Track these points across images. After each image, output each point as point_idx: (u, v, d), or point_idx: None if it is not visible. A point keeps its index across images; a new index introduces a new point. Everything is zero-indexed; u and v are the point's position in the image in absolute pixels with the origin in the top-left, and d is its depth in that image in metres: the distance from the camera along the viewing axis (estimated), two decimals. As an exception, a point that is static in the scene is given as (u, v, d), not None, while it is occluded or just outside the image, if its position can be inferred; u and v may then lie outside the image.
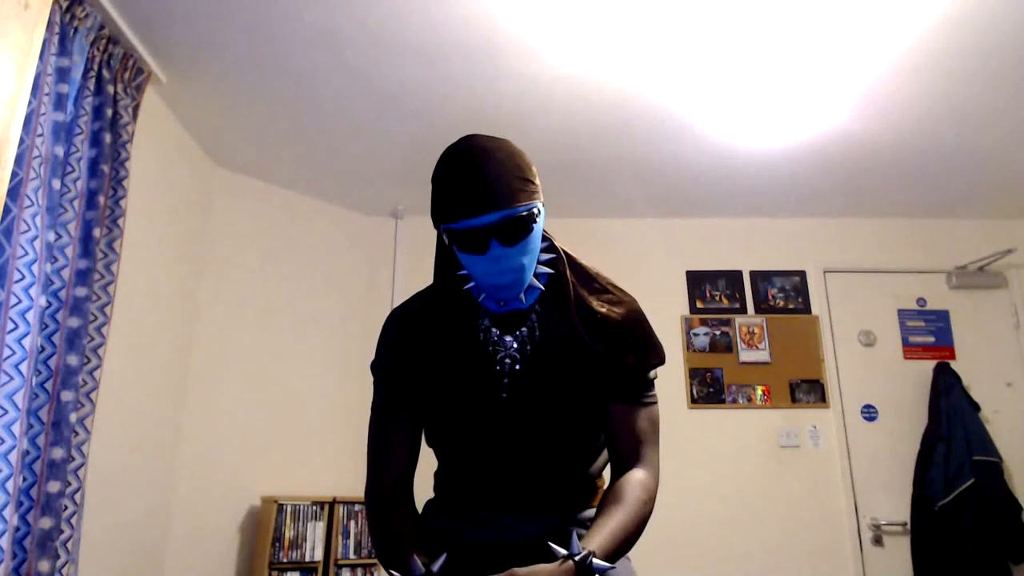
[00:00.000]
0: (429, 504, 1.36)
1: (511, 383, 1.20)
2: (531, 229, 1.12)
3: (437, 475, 1.34)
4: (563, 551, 0.99)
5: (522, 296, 1.19)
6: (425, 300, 1.28)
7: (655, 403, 1.24)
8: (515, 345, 1.21)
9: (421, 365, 1.23)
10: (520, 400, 1.19)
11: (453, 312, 1.22)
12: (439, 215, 1.13)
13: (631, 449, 1.20)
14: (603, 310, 1.21)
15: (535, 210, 1.12)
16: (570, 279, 1.23)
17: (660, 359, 1.24)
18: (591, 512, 1.24)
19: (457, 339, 1.22)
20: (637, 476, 1.17)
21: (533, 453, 1.20)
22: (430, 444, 1.30)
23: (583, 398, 1.20)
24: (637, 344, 1.22)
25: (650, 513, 1.15)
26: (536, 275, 1.20)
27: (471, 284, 1.22)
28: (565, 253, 1.25)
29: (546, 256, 1.22)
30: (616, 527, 1.08)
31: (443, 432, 1.26)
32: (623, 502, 1.12)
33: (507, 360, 1.20)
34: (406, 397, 1.25)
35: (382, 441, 1.25)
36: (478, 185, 1.07)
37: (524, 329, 1.21)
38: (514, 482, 1.22)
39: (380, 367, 1.29)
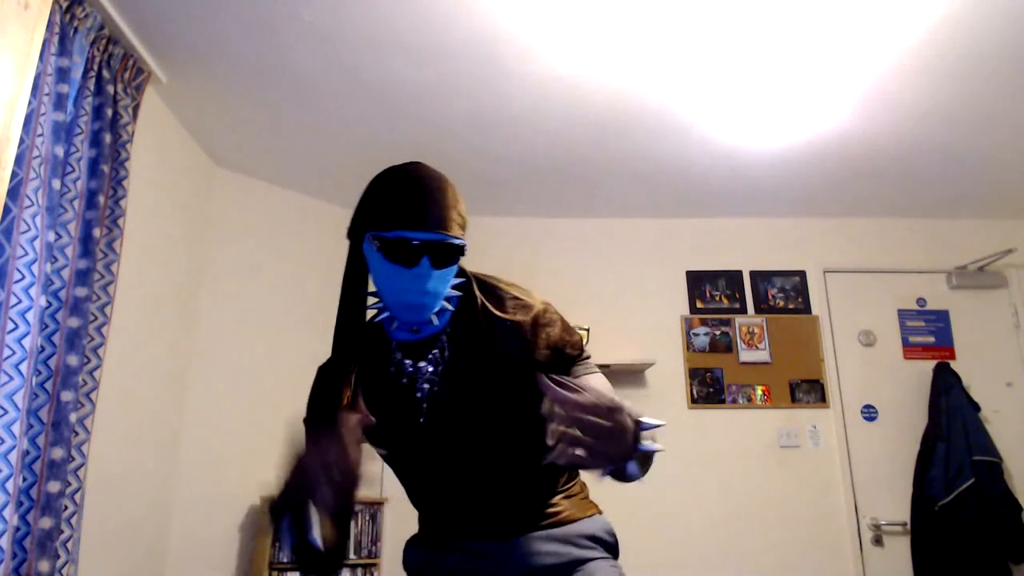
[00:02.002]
0: (411, 541, 1.37)
1: (430, 407, 1.21)
2: (456, 260, 1.17)
3: (418, 515, 1.37)
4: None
5: (434, 318, 1.20)
6: (336, 346, 1.26)
7: (596, 372, 1.24)
8: (430, 369, 1.22)
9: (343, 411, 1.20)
10: (440, 420, 1.20)
11: (365, 353, 1.22)
12: (375, 222, 1.14)
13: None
14: (509, 316, 1.21)
15: (465, 247, 1.17)
16: (478, 296, 1.24)
17: (576, 348, 1.24)
18: (571, 527, 1.24)
19: (374, 378, 1.22)
20: (584, 375, 1.20)
21: (471, 471, 1.21)
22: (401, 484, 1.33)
23: (504, 405, 1.20)
24: (548, 339, 1.21)
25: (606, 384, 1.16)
26: (447, 298, 1.21)
27: (382, 315, 1.22)
28: (472, 274, 1.27)
29: (456, 280, 1.22)
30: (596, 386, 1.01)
31: (396, 471, 1.29)
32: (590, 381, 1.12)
33: (425, 385, 1.21)
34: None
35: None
36: (428, 203, 1.13)
37: (435, 351, 1.22)
38: (472, 504, 1.23)
39: (306, 424, 1.25)
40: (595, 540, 1.26)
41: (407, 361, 1.23)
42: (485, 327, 1.21)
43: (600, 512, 1.33)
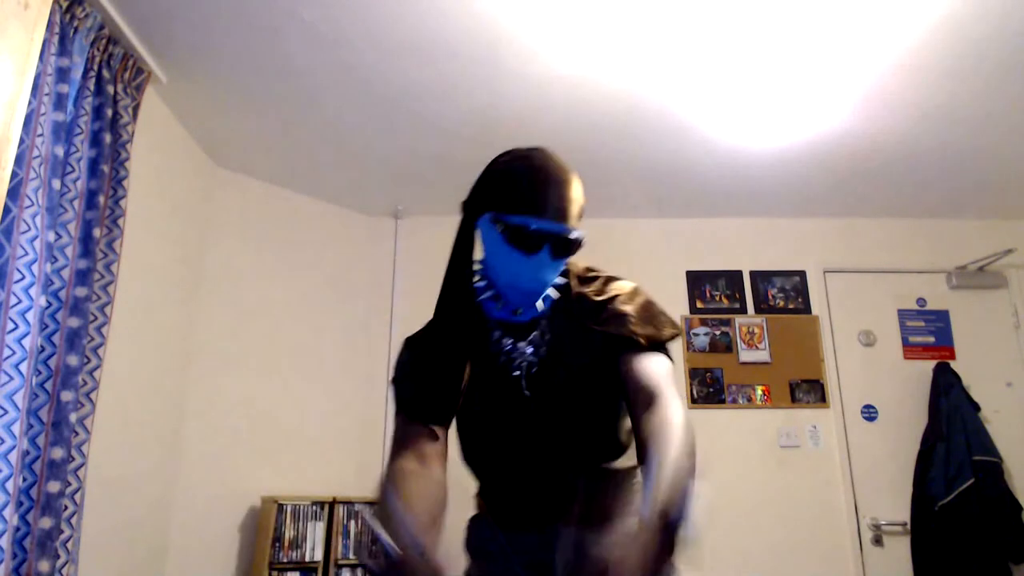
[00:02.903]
0: (473, 521, 1.34)
1: (531, 386, 1.20)
2: (574, 252, 1.18)
3: (478, 494, 1.34)
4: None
5: (539, 304, 1.21)
6: (432, 323, 1.25)
7: (671, 360, 1.20)
8: (529, 350, 1.21)
9: (437, 390, 1.19)
10: (544, 400, 1.19)
11: (464, 327, 1.21)
12: (499, 203, 1.14)
13: (647, 381, 1.11)
14: (604, 297, 1.23)
15: (584, 239, 1.17)
16: (572, 279, 1.26)
17: (674, 328, 1.21)
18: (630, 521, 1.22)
19: (471, 353, 1.21)
20: (662, 411, 1.04)
21: (567, 452, 1.20)
22: (466, 463, 1.30)
23: (602, 388, 1.20)
24: (643, 317, 1.19)
25: (691, 440, 1.00)
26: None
27: (487, 294, 1.22)
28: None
29: None
30: (669, 469, 0.92)
31: (475, 447, 1.26)
32: (661, 442, 0.98)
33: (524, 364, 1.21)
34: (431, 420, 1.20)
35: (407, 432, 1.18)
36: (562, 194, 1.14)
37: (536, 334, 1.22)
38: (554, 486, 1.20)
39: (398, 399, 1.24)
40: None
41: (507, 340, 1.22)
42: (579, 308, 1.22)
43: None
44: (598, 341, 1.19)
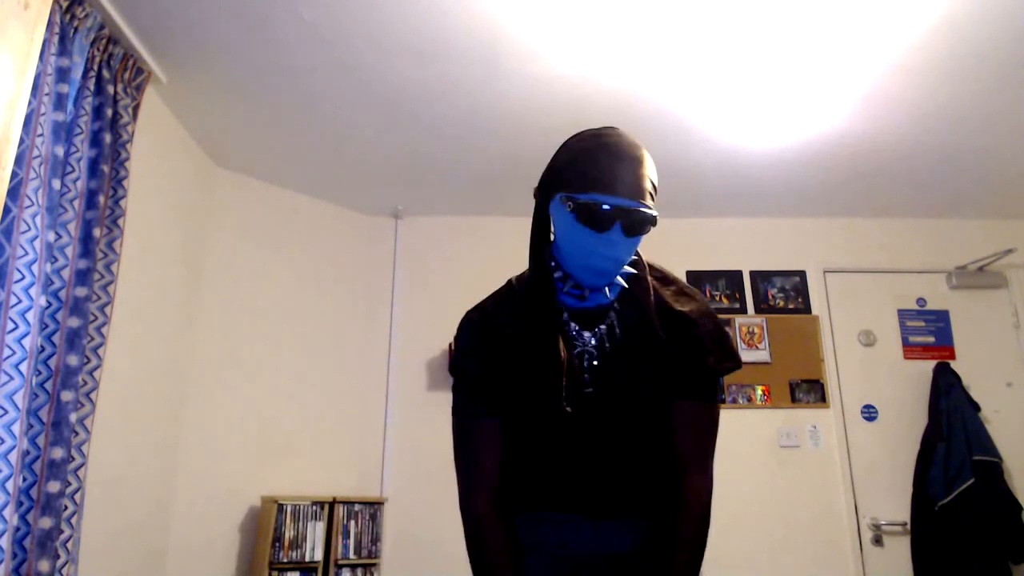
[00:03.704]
0: (520, 516, 1.31)
1: (592, 379, 1.19)
2: (647, 231, 1.15)
3: (517, 479, 1.26)
4: None
5: (607, 290, 1.19)
6: (498, 299, 1.28)
7: (720, 400, 1.26)
8: (593, 341, 1.20)
9: (501, 366, 1.21)
10: (603, 394, 1.18)
11: (531, 307, 1.20)
12: (569, 183, 1.14)
13: (694, 448, 1.20)
14: (679, 307, 1.22)
15: (656, 217, 1.15)
16: (650, 280, 1.24)
17: (738, 363, 1.25)
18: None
19: (535, 334, 1.20)
20: (694, 489, 1.18)
21: (617, 450, 1.19)
22: (510, 446, 1.26)
23: (658, 398, 1.19)
24: (716, 345, 1.22)
25: (708, 523, 1.18)
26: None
27: (556, 273, 1.21)
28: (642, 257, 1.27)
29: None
30: (689, 549, 1.13)
31: (526, 430, 1.22)
32: (682, 532, 1.15)
33: (585, 355, 1.20)
34: (491, 403, 1.23)
35: (472, 453, 1.23)
36: (624, 169, 1.11)
37: (603, 327, 1.21)
38: (600, 481, 1.20)
39: (462, 373, 1.26)
40: None
41: (573, 325, 1.21)
42: (654, 314, 1.20)
43: None
44: (669, 354, 1.18)
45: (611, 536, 1.19)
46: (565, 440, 1.20)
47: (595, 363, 1.19)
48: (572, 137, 1.20)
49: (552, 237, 1.23)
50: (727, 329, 1.26)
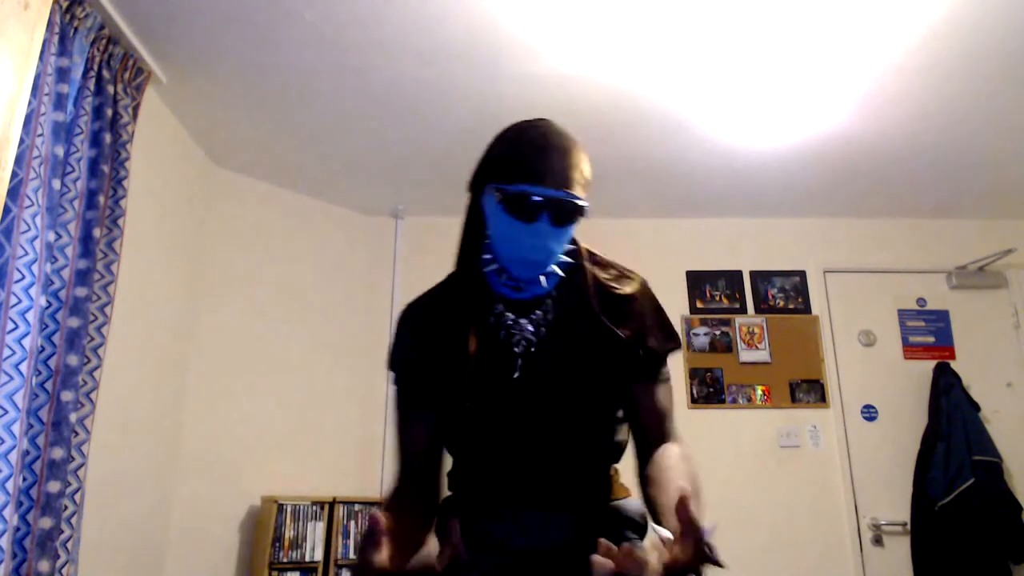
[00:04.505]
0: (444, 503, 1.31)
1: (525, 364, 1.18)
2: (576, 220, 1.15)
3: (451, 474, 1.29)
4: (665, 532, 0.93)
5: (543, 279, 1.19)
6: (435, 292, 1.28)
7: (670, 377, 1.25)
8: (530, 328, 1.19)
9: (433, 357, 1.21)
10: (535, 381, 1.17)
11: (466, 298, 1.21)
12: (497, 174, 1.14)
13: (658, 426, 1.21)
14: (618, 289, 1.22)
15: (586, 207, 1.14)
16: (587, 264, 1.24)
17: (678, 343, 1.26)
18: (619, 503, 1.23)
19: (469, 324, 1.20)
20: (673, 448, 1.18)
21: (551, 439, 1.18)
22: (444, 438, 1.26)
23: (600, 380, 1.18)
24: (657, 326, 1.22)
25: (694, 466, 1.16)
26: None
27: (491, 267, 1.21)
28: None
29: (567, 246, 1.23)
30: (697, 488, 1.06)
31: (458, 422, 1.22)
32: (675, 468, 1.11)
33: (522, 342, 1.19)
34: (425, 395, 1.23)
35: (401, 445, 1.24)
36: (555, 159, 1.11)
37: (539, 312, 1.20)
38: (533, 472, 1.18)
39: (395, 365, 1.28)
40: (632, 520, 1.25)
41: (508, 314, 1.20)
42: (593, 297, 1.20)
43: (631, 494, 1.32)
44: (609, 335, 1.18)
45: (544, 529, 1.17)
46: (493, 430, 1.19)
47: (532, 349, 1.18)
48: (504, 129, 1.20)
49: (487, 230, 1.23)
50: (661, 305, 1.27)
